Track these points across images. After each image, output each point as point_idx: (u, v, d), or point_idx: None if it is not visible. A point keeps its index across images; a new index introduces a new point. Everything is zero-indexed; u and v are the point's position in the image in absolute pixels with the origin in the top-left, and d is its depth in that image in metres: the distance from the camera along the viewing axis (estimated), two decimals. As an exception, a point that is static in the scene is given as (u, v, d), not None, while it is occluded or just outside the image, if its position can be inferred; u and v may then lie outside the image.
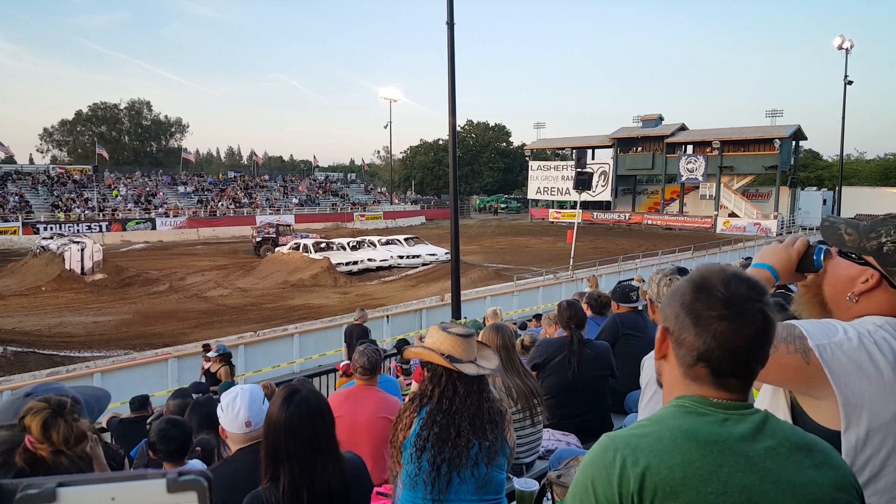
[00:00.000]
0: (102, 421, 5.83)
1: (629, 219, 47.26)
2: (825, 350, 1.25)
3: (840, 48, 33.48)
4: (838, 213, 36.41)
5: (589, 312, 5.25)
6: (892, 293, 1.34)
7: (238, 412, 2.35)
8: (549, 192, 52.08)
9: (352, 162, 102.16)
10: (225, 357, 8.62)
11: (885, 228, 1.34)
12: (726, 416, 1.04)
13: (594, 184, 40.62)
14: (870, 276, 1.35)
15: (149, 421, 3.45)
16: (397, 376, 6.87)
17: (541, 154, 57.38)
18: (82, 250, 22.59)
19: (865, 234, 1.37)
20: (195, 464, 3.14)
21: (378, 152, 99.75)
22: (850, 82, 32.75)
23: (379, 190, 63.07)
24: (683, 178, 45.25)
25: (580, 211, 25.94)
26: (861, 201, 41.90)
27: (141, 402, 5.80)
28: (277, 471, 1.95)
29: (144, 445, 3.56)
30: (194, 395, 4.90)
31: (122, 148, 73.27)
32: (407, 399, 2.45)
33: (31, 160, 70.55)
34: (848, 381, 1.24)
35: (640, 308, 4.55)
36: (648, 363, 3.00)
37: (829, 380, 1.23)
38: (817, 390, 1.27)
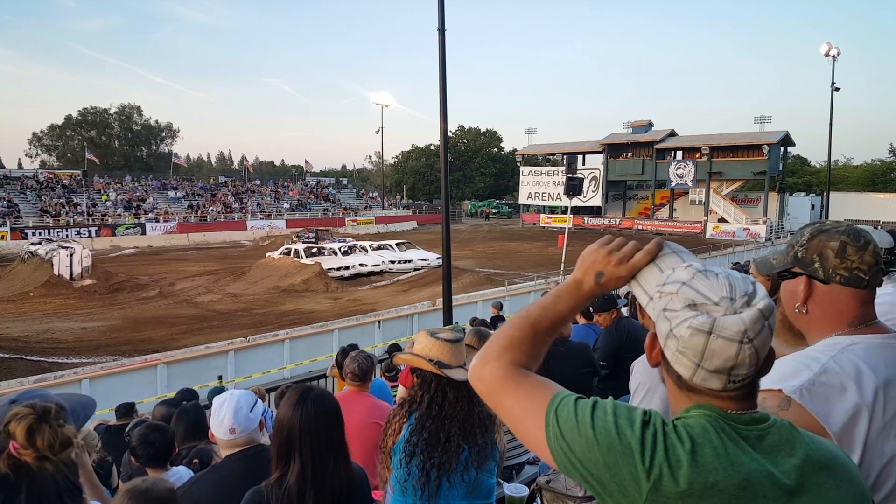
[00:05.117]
0: (90, 427, 5.76)
1: (620, 224, 47.42)
2: (803, 394, 1.29)
3: (827, 55, 33.81)
4: (826, 219, 36.67)
5: (581, 319, 5.28)
6: (832, 293, 1.42)
7: (223, 418, 2.32)
8: (540, 197, 52.19)
9: (343, 167, 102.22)
10: None
11: (795, 238, 1.51)
12: (746, 434, 1.00)
13: (585, 189, 40.83)
14: (801, 283, 1.46)
15: (128, 429, 3.37)
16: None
17: (532, 159, 57.54)
18: (71, 256, 22.42)
19: (785, 252, 1.52)
20: (180, 470, 3.10)
21: (370, 157, 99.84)
22: (838, 89, 33.05)
23: (371, 195, 63.05)
24: (673, 184, 45.50)
25: (571, 216, 26.00)
26: (849, 206, 42.33)
27: (126, 409, 5.71)
28: (287, 468, 1.95)
29: (129, 453, 3.52)
30: (183, 403, 4.84)
31: (111, 153, 72.86)
32: (396, 405, 2.44)
33: (19, 165, 70.14)
34: (832, 413, 1.28)
35: (625, 316, 4.57)
36: (638, 367, 3.01)
37: (816, 419, 1.27)
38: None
